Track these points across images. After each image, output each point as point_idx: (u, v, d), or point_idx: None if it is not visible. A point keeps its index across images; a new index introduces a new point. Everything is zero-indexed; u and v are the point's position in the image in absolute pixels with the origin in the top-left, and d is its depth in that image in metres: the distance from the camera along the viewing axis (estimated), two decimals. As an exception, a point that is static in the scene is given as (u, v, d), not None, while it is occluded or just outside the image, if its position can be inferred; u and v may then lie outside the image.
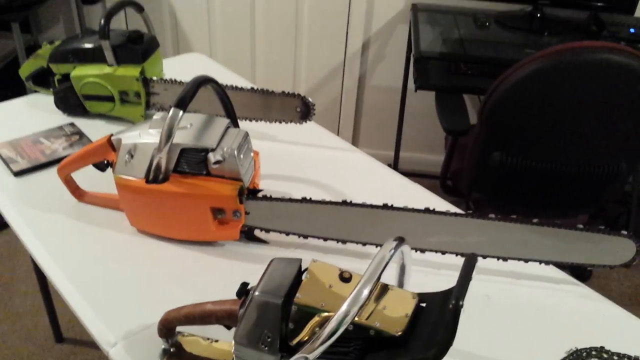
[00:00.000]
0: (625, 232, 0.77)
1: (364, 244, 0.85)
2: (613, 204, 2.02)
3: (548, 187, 1.36)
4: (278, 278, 0.62)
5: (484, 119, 1.29)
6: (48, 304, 1.70)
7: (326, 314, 0.58)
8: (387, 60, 2.23)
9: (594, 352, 0.73)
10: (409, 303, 0.60)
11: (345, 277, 0.62)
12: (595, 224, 1.52)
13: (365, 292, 0.54)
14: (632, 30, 1.75)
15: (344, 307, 0.54)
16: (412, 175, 2.31)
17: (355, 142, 2.47)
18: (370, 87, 2.31)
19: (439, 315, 0.58)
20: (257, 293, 0.61)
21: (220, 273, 0.85)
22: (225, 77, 1.40)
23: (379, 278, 0.56)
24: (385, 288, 0.61)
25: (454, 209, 0.93)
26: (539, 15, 1.84)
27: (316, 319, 0.59)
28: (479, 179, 1.42)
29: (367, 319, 0.58)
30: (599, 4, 1.80)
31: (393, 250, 0.59)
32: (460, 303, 0.53)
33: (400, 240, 0.61)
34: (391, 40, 2.18)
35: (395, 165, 2.22)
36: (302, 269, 0.63)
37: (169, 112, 0.79)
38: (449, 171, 1.54)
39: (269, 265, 0.65)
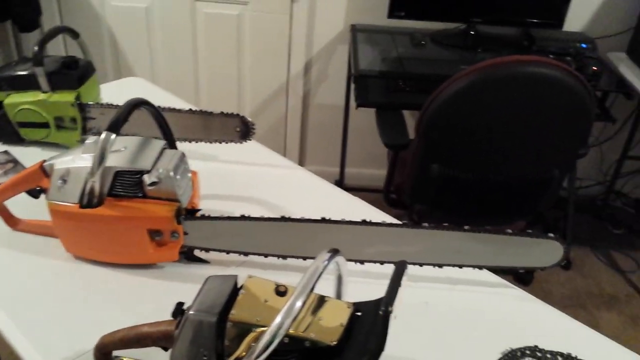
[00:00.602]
0: (552, 235, 0.80)
1: (305, 259, 0.86)
2: (551, 210, 2.10)
3: (485, 196, 1.40)
4: (213, 296, 0.62)
5: (421, 132, 1.33)
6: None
7: (262, 328, 0.59)
8: (330, 79, 2.27)
9: (527, 352, 0.76)
10: (344, 312, 0.61)
11: (280, 291, 0.62)
12: (534, 229, 1.58)
13: (299, 303, 0.55)
14: (560, 44, 1.84)
15: (277, 320, 0.54)
16: (358, 190, 2.35)
17: (302, 159, 2.49)
18: (314, 106, 2.35)
19: (372, 323, 0.59)
20: (191, 312, 0.61)
21: (160, 295, 0.84)
22: (167, 100, 1.39)
23: (312, 289, 0.57)
24: (321, 300, 0.62)
25: (390, 220, 0.95)
26: (472, 32, 1.91)
27: (252, 334, 0.59)
28: (420, 191, 1.46)
29: (304, 330, 0.58)
30: (529, 20, 1.88)
31: (327, 262, 0.60)
32: (390, 309, 0.54)
33: (334, 252, 0.62)
34: (332, 60, 2.22)
35: (341, 181, 2.25)
36: (239, 286, 0.64)
37: (102, 135, 0.78)
38: (392, 184, 1.57)
39: (204, 284, 0.65)
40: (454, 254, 0.82)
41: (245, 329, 0.59)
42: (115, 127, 0.79)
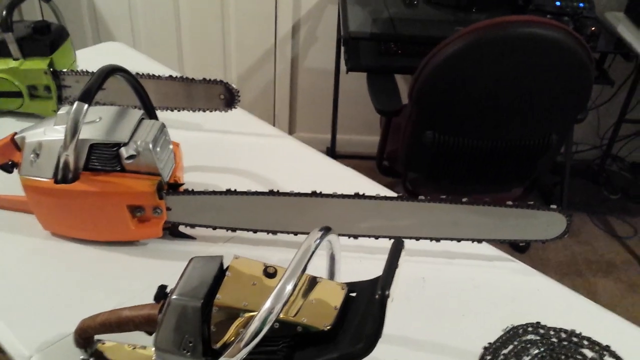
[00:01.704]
0: (555, 207, 0.76)
1: (296, 234, 0.82)
2: (547, 175, 2.07)
3: (481, 163, 1.36)
4: (197, 278, 0.58)
5: (414, 98, 1.28)
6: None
7: (250, 313, 0.55)
8: (319, 42, 2.19)
9: (530, 328, 0.73)
10: (338, 295, 0.57)
11: (269, 273, 0.58)
12: (530, 196, 1.55)
13: (289, 287, 0.51)
14: (558, 3, 1.78)
15: (267, 305, 0.50)
16: (350, 157, 2.30)
17: (292, 126, 2.43)
18: (303, 70, 2.27)
19: (367, 305, 0.56)
20: (174, 296, 0.57)
21: (144, 274, 0.79)
22: (148, 66, 1.33)
23: (304, 270, 0.53)
24: (313, 281, 0.58)
25: (384, 192, 0.91)
26: (466, -9, 1.84)
27: (240, 319, 0.55)
28: (414, 159, 1.42)
29: (295, 315, 0.55)
30: (525, -22, 1.81)
31: (318, 241, 0.56)
32: (387, 293, 0.50)
33: (326, 230, 0.58)
34: (322, 21, 2.14)
35: (332, 148, 2.20)
36: (225, 267, 0.59)
37: (73, 105, 0.73)
38: (385, 152, 1.53)
39: (187, 265, 0.60)
40: (452, 227, 0.79)
41: (232, 313, 0.55)
42: (88, 96, 0.73)
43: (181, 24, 2.23)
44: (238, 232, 0.83)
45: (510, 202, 0.77)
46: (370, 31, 1.65)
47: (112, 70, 0.78)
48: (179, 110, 1.03)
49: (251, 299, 0.55)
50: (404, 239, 0.79)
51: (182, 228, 0.84)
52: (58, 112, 0.79)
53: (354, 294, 0.59)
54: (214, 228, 0.82)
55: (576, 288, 0.81)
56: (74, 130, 0.72)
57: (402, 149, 1.40)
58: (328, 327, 0.54)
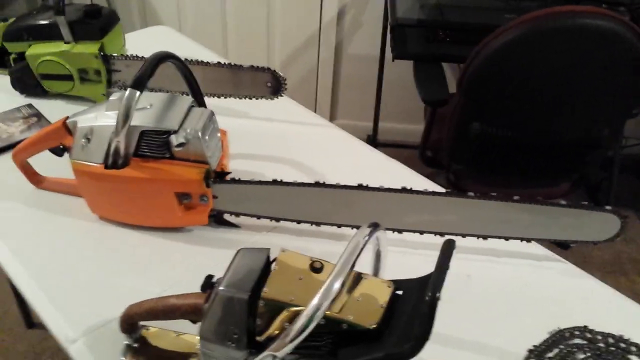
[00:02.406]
0: (609, 207, 0.74)
1: (340, 226, 0.81)
2: (594, 169, 2.00)
3: (529, 156, 1.32)
4: (244, 270, 0.58)
5: (463, 88, 1.25)
6: (17, 290, 1.65)
7: (296, 308, 0.55)
8: (364, 28, 2.16)
9: (577, 332, 0.71)
10: (384, 293, 0.57)
11: (316, 267, 0.58)
12: (577, 191, 1.50)
13: (337, 284, 0.51)
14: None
15: (314, 302, 0.50)
16: (392, 146, 2.28)
17: (333, 113, 2.41)
18: (347, 57, 2.25)
19: (415, 305, 0.55)
20: (221, 287, 0.57)
21: (189, 261, 0.80)
22: (194, 51, 1.33)
23: (352, 268, 0.52)
24: (359, 277, 0.58)
25: (432, 186, 0.89)
26: (518, -22, 1.78)
27: (285, 313, 0.55)
28: (459, 150, 1.39)
29: (339, 311, 0.54)
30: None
31: (367, 237, 0.55)
32: (437, 295, 0.49)
33: (375, 226, 0.57)
34: (368, 7, 2.10)
35: (374, 136, 2.17)
36: (271, 259, 0.59)
37: (126, 92, 0.74)
38: (429, 142, 1.50)
39: (235, 257, 0.61)
40: (500, 225, 0.77)
41: (278, 307, 0.55)
42: (140, 83, 0.73)
43: (226, 9, 2.23)
44: (282, 222, 0.83)
45: (562, 201, 0.74)
46: (417, 17, 1.61)
47: (163, 57, 0.78)
48: (225, 97, 1.04)
49: (298, 294, 0.55)
50: (446, 234, 0.78)
51: (227, 216, 0.85)
52: (110, 98, 0.80)
53: (400, 292, 0.58)
54: (259, 217, 0.83)
55: (620, 287, 0.78)
56: (125, 117, 0.73)
57: (446, 140, 1.38)
58: (374, 326, 0.53)
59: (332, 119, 2.41)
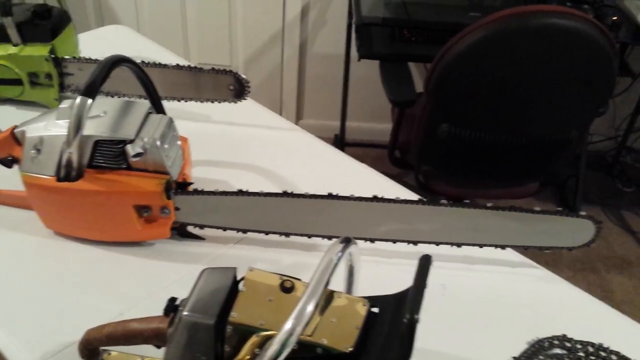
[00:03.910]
0: (584, 213, 0.72)
1: (310, 236, 0.78)
2: (562, 168, 2.02)
3: (498, 157, 1.32)
4: (209, 293, 0.54)
5: (431, 89, 1.23)
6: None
7: (266, 332, 0.51)
8: (328, 26, 2.13)
9: (556, 342, 0.69)
10: (359, 312, 0.53)
11: (286, 287, 0.54)
12: (545, 190, 1.51)
13: (310, 306, 0.47)
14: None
15: (287, 326, 0.46)
16: (360, 145, 2.25)
17: (299, 113, 2.37)
18: (312, 55, 2.21)
19: (392, 324, 0.52)
20: (185, 312, 0.53)
21: (151, 276, 0.76)
22: (153, 52, 1.28)
23: (325, 287, 0.49)
24: (331, 295, 0.55)
25: (404, 193, 0.87)
26: (482, -25, 1.77)
27: (255, 338, 0.52)
28: (428, 151, 1.37)
29: (312, 334, 0.51)
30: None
31: (340, 254, 0.52)
32: (416, 316, 0.47)
33: (347, 242, 0.54)
34: (332, 4, 2.07)
35: (342, 136, 2.15)
36: (238, 278, 0.56)
37: (76, 100, 0.69)
38: (397, 143, 1.48)
39: (199, 278, 0.57)
40: (474, 232, 0.75)
41: (247, 331, 0.51)
42: (92, 90, 0.69)
43: (186, 6, 2.17)
44: (249, 233, 0.79)
45: (536, 208, 0.73)
46: (382, 16, 1.59)
47: (116, 62, 0.73)
48: (185, 101, 0.99)
49: (268, 317, 0.52)
50: (419, 242, 0.76)
51: (190, 228, 0.80)
52: (60, 106, 0.74)
53: (375, 310, 0.55)
54: (224, 229, 0.79)
55: (590, 285, 0.77)
56: (77, 126, 0.68)
57: (415, 141, 1.36)
58: (350, 349, 0.50)
59: (298, 118, 2.37)
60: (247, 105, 1.00)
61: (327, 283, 0.49)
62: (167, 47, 1.30)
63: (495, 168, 1.37)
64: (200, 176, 0.88)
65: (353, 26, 1.66)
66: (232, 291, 0.54)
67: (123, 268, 0.77)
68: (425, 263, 0.51)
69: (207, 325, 0.52)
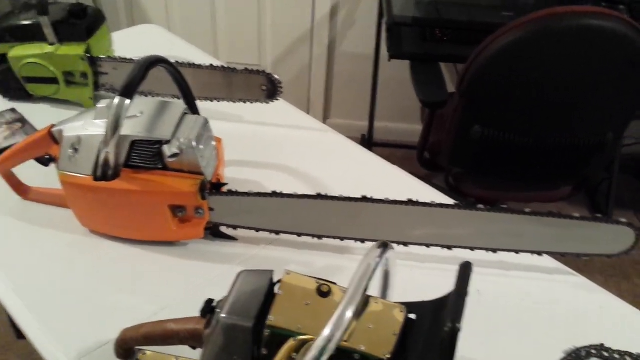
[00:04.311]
0: (624, 220, 0.71)
1: (342, 239, 0.78)
2: (596, 172, 1.97)
3: (532, 160, 1.29)
4: (247, 296, 0.54)
5: (464, 90, 1.21)
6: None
7: (303, 336, 0.51)
8: (358, 26, 2.11)
9: (593, 351, 0.68)
10: (397, 318, 0.53)
11: (323, 291, 0.54)
12: (578, 194, 1.48)
13: (349, 313, 0.47)
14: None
15: (326, 332, 0.46)
16: (387, 146, 2.24)
17: (327, 112, 2.37)
18: (340, 55, 2.20)
19: (430, 331, 0.52)
20: (223, 315, 0.53)
21: (185, 276, 0.76)
22: (185, 51, 1.29)
23: (364, 293, 0.48)
24: (367, 300, 0.54)
25: (438, 197, 0.86)
26: (514, -26, 1.74)
27: (292, 342, 0.51)
28: (459, 154, 1.35)
29: (349, 340, 0.51)
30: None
31: (378, 259, 0.52)
32: (458, 325, 0.46)
33: (385, 247, 0.54)
34: (362, 4, 2.06)
35: (370, 136, 2.13)
36: (274, 281, 0.56)
37: (114, 100, 0.69)
38: (427, 144, 1.46)
39: (236, 280, 0.57)
40: (511, 238, 0.74)
41: (284, 335, 0.51)
42: (130, 91, 0.69)
43: (216, 6, 2.17)
44: (282, 235, 0.79)
45: (575, 214, 0.71)
46: (413, 15, 1.57)
47: (153, 62, 0.73)
48: (218, 101, 0.99)
49: (305, 322, 0.51)
50: (454, 247, 0.75)
51: (223, 229, 0.80)
52: (98, 106, 0.75)
53: (412, 316, 0.54)
54: (257, 230, 0.79)
55: (622, 292, 0.75)
56: (115, 126, 0.69)
57: (446, 143, 1.34)
58: (388, 356, 0.50)
59: (325, 118, 2.36)
60: (278, 105, 1.00)
61: (366, 289, 0.49)
62: (197, 46, 1.30)
63: (528, 171, 1.34)
64: (232, 176, 0.88)
65: (383, 26, 1.64)
66: (269, 294, 0.54)
67: (157, 267, 0.77)
68: (466, 270, 0.50)
69: (245, 328, 0.52)
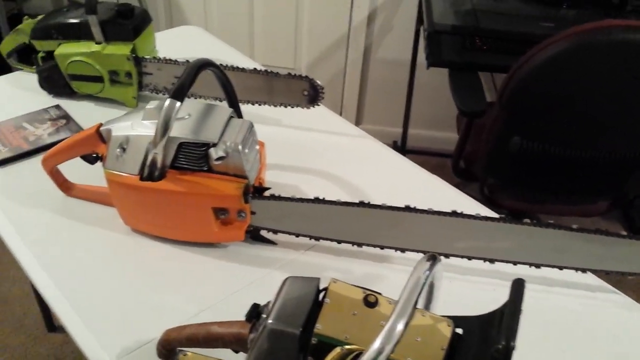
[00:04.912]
0: (675, 240, 0.69)
1: (382, 248, 0.77)
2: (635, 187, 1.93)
3: (570, 173, 1.28)
4: (294, 302, 0.54)
5: (504, 101, 1.20)
6: (38, 291, 1.60)
7: (350, 346, 0.51)
8: (395, 32, 2.11)
9: (638, 373, 0.66)
10: (444, 332, 0.52)
11: (370, 302, 0.54)
12: (614, 210, 1.45)
13: (401, 326, 0.46)
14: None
15: (376, 345, 0.46)
16: (420, 153, 2.23)
17: (359, 117, 2.36)
18: (376, 60, 2.20)
19: (479, 348, 0.51)
20: (270, 320, 0.53)
21: (224, 278, 0.77)
22: (223, 52, 1.30)
23: (414, 306, 0.48)
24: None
25: (482, 210, 0.85)
26: (556, -16, 1.72)
27: (338, 350, 0.51)
28: (496, 164, 1.34)
29: (395, 352, 0.50)
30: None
31: (428, 272, 0.51)
32: (512, 344, 0.45)
33: (433, 259, 0.53)
34: (400, 10, 2.05)
35: (403, 142, 2.12)
36: (320, 289, 0.56)
37: (165, 102, 0.70)
38: (463, 153, 1.45)
39: (282, 286, 0.57)
40: (556, 253, 0.72)
41: (330, 344, 0.51)
42: (180, 93, 0.70)
43: (254, 8, 2.19)
44: (321, 241, 0.79)
45: (623, 233, 0.70)
46: (452, 23, 1.56)
47: (203, 65, 0.74)
48: (259, 105, 1.00)
49: (352, 331, 0.51)
50: (496, 261, 0.74)
51: (264, 232, 0.81)
52: (147, 107, 0.76)
53: (459, 331, 0.54)
54: (297, 235, 0.79)
55: None
56: (165, 128, 0.70)
57: (483, 153, 1.33)
58: (436, 371, 0.50)
59: (357, 123, 2.36)
60: (318, 110, 1.00)
61: (416, 302, 0.48)
62: (232, 47, 1.31)
63: (566, 184, 1.32)
64: (270, 180, 0.88)
65: (422, 33, 1.63)
66: (315, 302, 0.54)
67: (197, 268, 0.78)
68: (519, 287, 0.50)
69: (293, 335, 0.52)
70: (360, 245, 0.78)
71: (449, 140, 2.21)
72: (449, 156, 1.52)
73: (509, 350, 0.45)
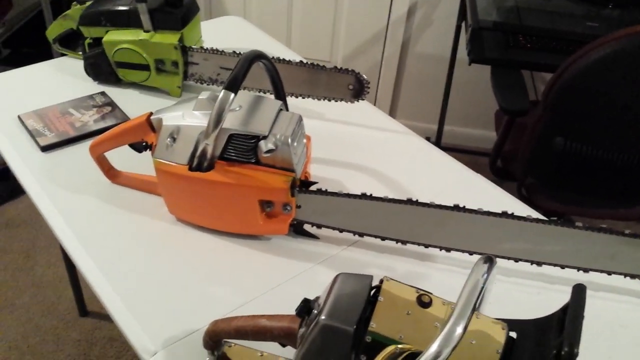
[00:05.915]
0: None
1: (427, 246, 0.77)
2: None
3: (612, 176, 1.25)
4: (347, 299, 0.54)
5: (550, 101, 1.18)
6: (72, 275, 1.63)
7: (404, 345, 0.51)
8: (434, 27, 2.08)
9: (689, 385, 0.65)
10: (498, 335, 0.52)
11: (424, 302, 0.53)
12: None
13: (459, 329, 0.46)
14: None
15: (434, 348, 0.45)
16: (453, 150, 2.21)
17: (392, 111, 2.35)
18: (413, 55, 2.18)
19: (535, 352, 0.50)
20: (323, 317, 0.53)
21: (267, 271, 0.77)
22: (264, 43, 1.30)
23: (473, 310, 0.48)
24: (468, 314, 0.53)
25: (531, 212, 0.84)
26: (601, -18, 1.69)
27: (391, 349, 0.51)
28: (536, 164, 1.32)
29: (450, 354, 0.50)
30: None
31: (486, 275, 0.51)
32: (576, 350, 0.45)
33: (490, 261, 0.52)
34: (440, 5, 2.03)
35: (438, 139, 2.10)
36: (372, 287, 0.55)
37: (218, 93, 0.70)
38: (501, 152, 1.43)
39: (334, 282, 0.56)
40: (605, 258, 0.71)
41: (382, 342, 0.51)
42: (234, 85, 0.70)
43: (294, 1, 2.18)
44: (365, 237, 0.79)
45: (679, 241, 0.68)
46: (495, 20, 1.54)
47: (256, 57, 0.74)
48: (303, 97, 1.00)
49: (406, 331, 0.51)
50: (544, 264, 0.73)
51: (307, 227, 0.81)
52: (199, 97, 0.76)
53: (513, 334, 0.53)
54: (341, 231, 0.79)
55: None
56: (218, 119, 0.70)
57: (524, 152, 1.31)
58: (491, 374, 0.49)
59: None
60: (360, 104, 1.00)
61: (475, 305, 0.48)
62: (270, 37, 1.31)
63: (608, 187, 1.30)
64: (318, 174, 0.88)
65: (463, 28, 1.61)
66: (368, 299, 0.54)
67: (242, 260, 0.78)
68: (581, 292, 0.49)
69: (347, 332, 0.52)
70: (404, 242, 0.77)
71: (483, 138, 2.19)
72: (482, 154, 1.51)
73: (572, 356, 0.44)
